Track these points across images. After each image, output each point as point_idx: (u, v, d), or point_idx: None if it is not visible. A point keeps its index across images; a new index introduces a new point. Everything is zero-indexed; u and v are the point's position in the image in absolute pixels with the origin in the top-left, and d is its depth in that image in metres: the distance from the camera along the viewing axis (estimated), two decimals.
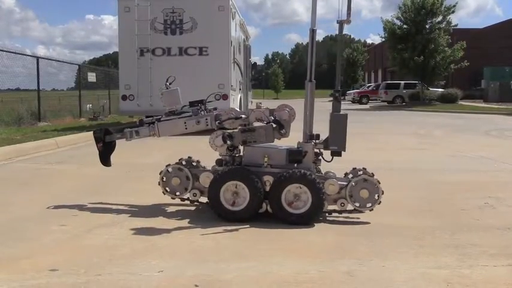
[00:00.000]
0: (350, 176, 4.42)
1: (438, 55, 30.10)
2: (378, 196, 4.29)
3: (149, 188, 5.69)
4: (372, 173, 4.44)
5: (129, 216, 4.36)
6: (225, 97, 13.31)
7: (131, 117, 16.81)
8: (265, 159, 4.36)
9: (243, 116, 4.58)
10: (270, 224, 4.13)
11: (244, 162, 4.48)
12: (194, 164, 4.78)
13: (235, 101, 14.65)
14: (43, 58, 17.30)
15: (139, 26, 13.21)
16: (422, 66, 30.08)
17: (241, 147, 4.58)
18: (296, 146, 4.47)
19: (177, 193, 4.71)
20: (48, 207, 4.68)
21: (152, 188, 5.56)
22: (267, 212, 4.28)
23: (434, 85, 33.48)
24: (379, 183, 4.32)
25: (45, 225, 4.05)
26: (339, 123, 4.44)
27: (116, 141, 5.01)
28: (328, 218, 4.35)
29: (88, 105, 18.74)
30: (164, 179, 4.70)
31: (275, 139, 4.54)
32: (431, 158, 8.60)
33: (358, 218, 4.35)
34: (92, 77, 20.29)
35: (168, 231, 3.90)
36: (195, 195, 4.61)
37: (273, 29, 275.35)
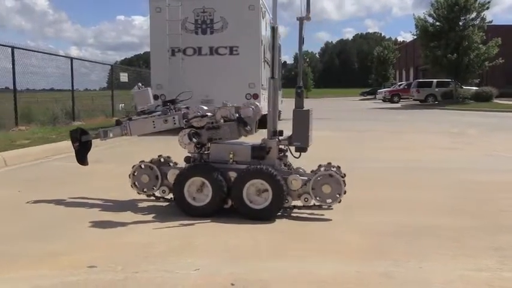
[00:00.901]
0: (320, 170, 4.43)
1: (472, 52, 29.48)
2: (340, 193, 4.30)
3: None
4: (338, 166, 4.50)
5: (165, 214, 4.40)
6: (256, 96, 13.33)
7: None
8: (231, 155, 4.46)
9: (208, 114, 4.64)
10: (303, 224, 4.12)
11: (210, 159, 4.58)
12: (171, 163, 4.89)
13: (265, 100, 14.62)
14: (77, 59, 17.67)
15: (170, 26, 13.32)
16: (455, 64, 29.51)
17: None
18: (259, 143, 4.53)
19: (145, 189, 4.83)
20: (85, 205, 4.77)
21: None
22: (232, 207, 4.35)
23: (468, 83, 32.78)
24: (343, 178, 4.33)
25: (83, 222, 4.12)
26: (301, 119, 4.50)
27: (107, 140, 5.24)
28: (358, 217, 4.30)
29: (120, 105, 18.98)
30: (135, 174, 4.83)
31: (242, 136, 4.66)
32: (465, 157, 8.42)
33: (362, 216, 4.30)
34: (124, 77, 20.60)
35: (203, 229, 3.93)
36: (163, 192, 4.72)
37: None
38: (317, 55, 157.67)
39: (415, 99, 37.81)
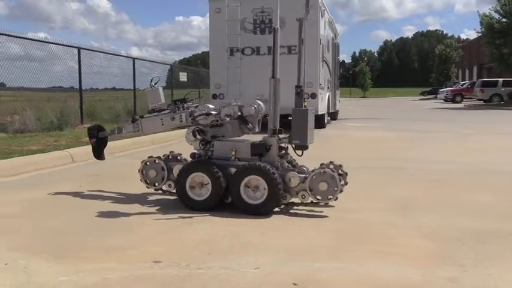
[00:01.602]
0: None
1: None
2: (336, 190, 4.35)
3: None
4: (340, 165, 4.63)
5: (224, 211, 4.45)
6: (314, 96, 13.28)
7: None
8: (233, 152, 4.62)
9: (213, 112, 4.78)
10: (357, 225, 4.06)
11: (214, 156, 4.74)
12: (179, 158, 5.07)
13: (323, 99, 14.54)
14: (138, 59, 18.20)
15: (229, 26, 13.48)
16: None
17: None
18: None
19: (156, 184, 4.99)
20: (145, 201, 4.92)
21: None
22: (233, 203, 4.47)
23: None
24: (340, 176, 4.43)
25: (146, 217, 4.26)
26: (300, 118, 4.60)
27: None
28: (418, 219, 4.19)
29: None
30: (144, 169, 5.01)
31: (244, 134, 4.84)
32: None
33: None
34: (183, 76, 21.06)
35: (262, 228, 3.94)
36: (169, 186, 4.88)
37: (360, 26, 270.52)
38: (375, 54, 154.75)
39: (478, 99, 36.40)
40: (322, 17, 13.93)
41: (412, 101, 47.70)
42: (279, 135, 4.60)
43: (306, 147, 4.64)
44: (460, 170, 6.67)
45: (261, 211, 4.33)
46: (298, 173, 4.50)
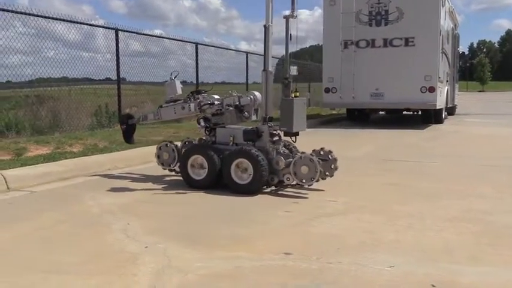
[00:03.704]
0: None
1: None
2: (316, 172, 4.76)
3: (363, 180, 5.70)
4: (329, 151, 5.13)
5: (350, 206, 4.38)
6: (432, 89, 12.67)
7: (333, 109, 17.04)
8: (231, 138, 5.21)
9: (216, 102, 5.40)
10: (502, 227, 3.77)
11: (217, 141, 5.35)
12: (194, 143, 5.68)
13: (442, 93, 13.80)
14: (251, 53, 18.51)
15: (344, 19, 13.26)
16: None
17: None
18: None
19: (170, 165, 5.72)
20: (273, 194, 4.97)
21: (368, 181, 5.58)
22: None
23: None
24: (318, 161, 4.79)
25: (272, 210, 4.30)
26: (287, 107, 5.09)
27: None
28: None
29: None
30: (159, 151, 5.76)
31: (242, 122, 5.40)
32: None
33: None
34: (293, 70, 21.04)
35: (393, 225, 3.81)
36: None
37: (479, 15, 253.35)
38: (496, 45, 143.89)
39: None
40: (442, 6, 13.20)
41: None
42: (270, 123, 5.07)
43: (293, 134, 5.16)
44: None
45: (248, 190, 4.85)
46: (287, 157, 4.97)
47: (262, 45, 5.22)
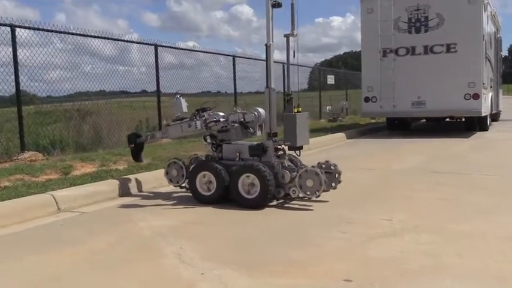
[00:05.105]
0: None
1: None
2: (321, 185, 4.89)
3: (414, 196, 5.52)
4: (334, 164, 5.21)
5: (406, 226, 4.22)
6: (476, 96, 12.32)
7: (373, 119, 16.79)
8: (237, 154, 5.32)
9: (222, 119, 5.55)
10: None
11: (224, 157, 5.45)
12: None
13: (486, 100, 13.39)
14: (285, 63, 18.37)
15: (382, 27, 13.06)
16: None
17: None
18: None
19: (178, 181, 5.82)
20: (326, 215, 4.82)
21: (419, 197, 5.41)
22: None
23: None
24: (322, 174, 4.92)
25: (326, 231, 4.17)
26: (290, 123, 5.21)
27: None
28: None
29: (327, 107, 19.33)
30: (168, 168, 5.87)
31: (248, 137, 5.55)
32: None
33: None
34: (331, 79, 20.89)
35: (454, 247, 3.63)
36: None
37: None
38: None
39: None
40: (485, 11, 12.85)
41: None
42: (274, 138, 5.19)
43: (297, 148, 5.27)
44: None
45: (255, 204, 4.97)
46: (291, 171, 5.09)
47: (294, 54, 5.46)
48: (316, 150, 10.36)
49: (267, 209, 5.04)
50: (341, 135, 12.99)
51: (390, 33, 13.02)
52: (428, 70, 12.73)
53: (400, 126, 14.75)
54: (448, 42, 12.62)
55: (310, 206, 5.09)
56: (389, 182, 6.50)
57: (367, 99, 13.61)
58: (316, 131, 13.25)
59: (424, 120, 15.94)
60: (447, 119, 14.79)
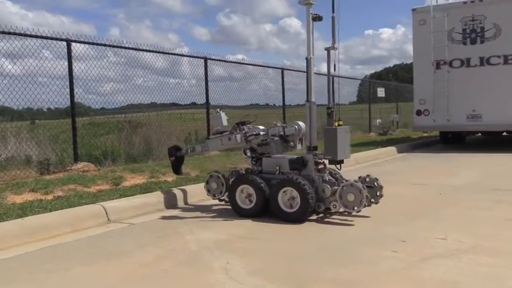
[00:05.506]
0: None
1: None
2: (362, 201, 4.79)
3: (472, 214, 5.25)
4: (375, 178, 5.24)
5: (463, 246, 4.00)
6: None
7: (425, 132, 16.32)
8: (277, 167, 5.31)
9: (262, 132, 5.58)
10: None
11: (264, 171, 5.46)
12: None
13: None
14: (337, 76, 18.22)
15: (435, 38, 12.71)
16: None
17: None
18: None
19: (215, 195, 5.85)
20: (373, 229, 4.70)
21: (477, 215, 5.16)
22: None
23: None
24: (364, 189, 4.81)
25: (377, 249, 4.00)
26: (331, 136, 5.18)
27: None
28: None
29: (377, 120, 18.98)
30: (208, 182, 5.88)
31: (288, 151, 5.55)
32: None
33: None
34: (381, 92, 20.50)
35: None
36: (228, 197, 5.59)
37: None
38: None
39: None
40: None
41: None
42: (315, 152, 5.16)
43: (338, 162, 5.22)
44: None
45: (296, 218, 4.93)
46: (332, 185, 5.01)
47: (344, 66, 5.44)
48: (365, 164, 10.13)
49: (307, 223, 4.96)
50: (392, 149, 12.67)
51: (444, 45, 12.65)
52: (484, 82, 12.27)
53: (454, 140, 14.26)
54: (505, 53, 12.13)
55: (352, 221, 5.00)
56: (443, 198, 6.23)
57: (419, 113, 13.24)
58: (365, 145, 13.01)
59: (479, 134, 15.35)
60: (504, 133, 14.18)
